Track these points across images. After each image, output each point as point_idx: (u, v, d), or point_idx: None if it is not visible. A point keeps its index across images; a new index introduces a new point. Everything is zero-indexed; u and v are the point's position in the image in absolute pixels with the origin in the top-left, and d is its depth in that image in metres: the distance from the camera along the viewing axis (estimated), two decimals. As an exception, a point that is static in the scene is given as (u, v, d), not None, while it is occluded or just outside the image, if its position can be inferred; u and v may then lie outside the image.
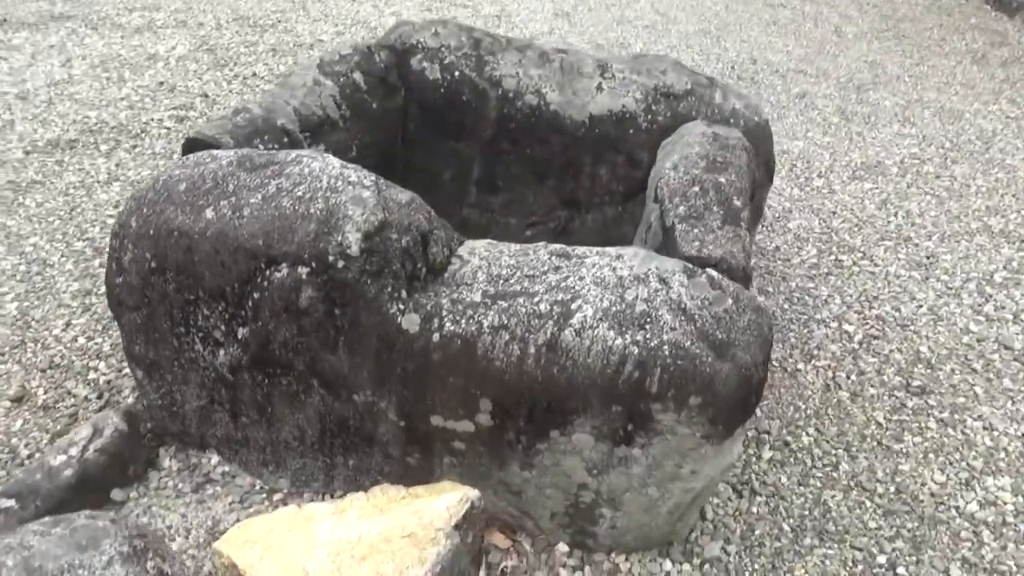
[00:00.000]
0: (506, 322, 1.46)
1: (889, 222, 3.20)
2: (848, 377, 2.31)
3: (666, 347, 1.39)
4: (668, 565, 1.67)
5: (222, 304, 1.59)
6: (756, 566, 1.70)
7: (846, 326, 2.54)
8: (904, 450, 2.06)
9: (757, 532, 1.79)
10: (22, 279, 2.44)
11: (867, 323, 2.55)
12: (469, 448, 1.59)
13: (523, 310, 1.46)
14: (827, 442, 2.06)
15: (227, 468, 1.80)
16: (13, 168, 3.07)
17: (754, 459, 1.98)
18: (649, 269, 1.51)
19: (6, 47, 4.24)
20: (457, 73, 2.50)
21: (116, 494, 1.69)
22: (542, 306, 1.46)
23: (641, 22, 6.02)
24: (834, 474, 1.96)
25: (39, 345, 2.18)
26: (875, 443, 2.07)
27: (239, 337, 1.61)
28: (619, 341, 1.40)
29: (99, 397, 1.99)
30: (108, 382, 2.04)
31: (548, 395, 1.46)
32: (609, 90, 2.46)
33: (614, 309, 1.44)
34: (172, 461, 1.80)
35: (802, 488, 1.91)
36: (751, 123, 2.40)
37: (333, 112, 2.20)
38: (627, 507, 1.58)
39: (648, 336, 1.40)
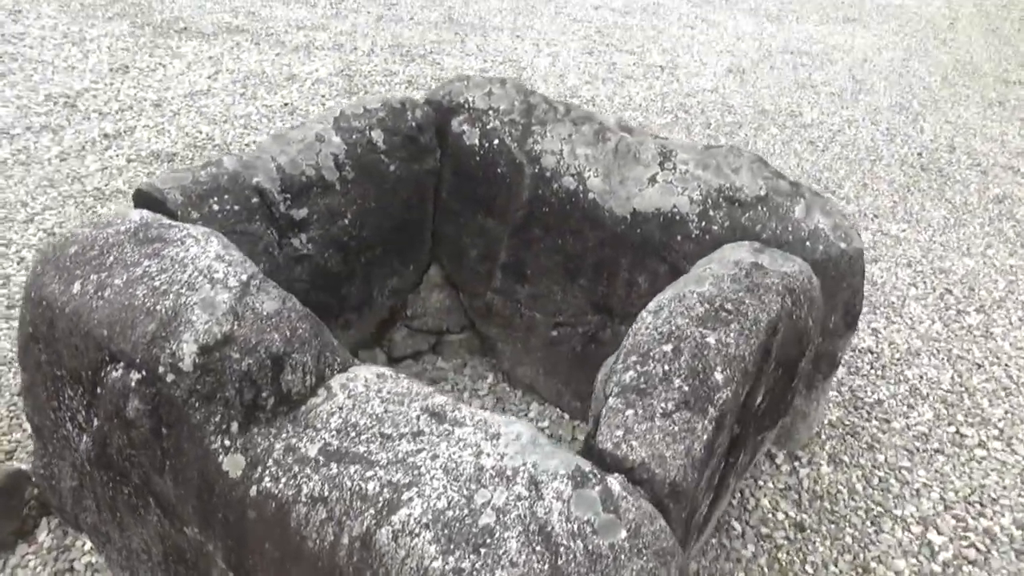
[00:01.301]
0: (327, 495, 1.14)
1: (1057, 392, 2.44)
2: (905, 613, 1.71)
3: (493, 590, 1.00)
4: None
5: (80, 388, 1.42)
6: None
7: (932, 535, 1.91)
8: None
9: None
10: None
11: (965, 537, 1.90)
12: (295, 625, 1.28)
13: (349, 484, 1.13)
14: None
15: (94, 559, 1.63)
16: (109, 175, 3.20)
17: None
18: (523, 464, 1.12)
19: (171, 54, 4.54)
20: (496, 141, 2.20)
21: (-29, 562, 1.58)
22: (371, 485, 1.13)
23: (828, 88, 5.34)
24: None
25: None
26: None
27: (92, 428, 1.42)
28: (438, 563, 1.03)
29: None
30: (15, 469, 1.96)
31: (365, 599, 1.12)
32: (663, 184, 2.03)
33: (450, 514, 1.07)
34: (48, 537, 1.66)
35: None
36: (833, 251, 1.88)
37: (329, 173, 1.99)
38: None
39: (477, 565, 1.02)
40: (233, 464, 1.22)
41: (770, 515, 1.91)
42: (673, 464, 1.17)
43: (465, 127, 2.24)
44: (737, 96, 5.01)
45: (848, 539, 1.87)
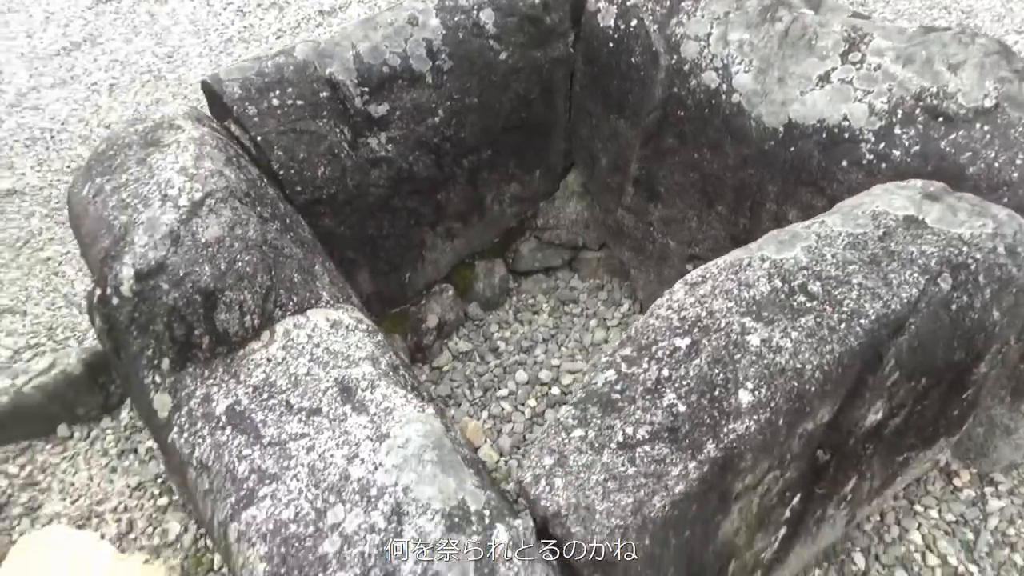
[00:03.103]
0: (210, 465, 0.99)
1: None
2: None
3: (297, 644, 0.78)
4: None
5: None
6: None
7: None
8: None
9: None
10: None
11: None
12: (234, 577, 1.19)
13: (227, 459, 0.96)
14: None
15: (154, 445, 1.69)
16: (312, 54, 3.24)
17: None
18: (395, 483, 0.85)
19: None
20: (634, 22, 1.75)
21: (62, 430, 1.73)
22: (242, 467, 0.94)
23: None
24: None
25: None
26: None
27: (111, 331, 1.42)
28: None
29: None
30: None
31: (242, 587, 0.97)
32: (838, 85, 1.46)
33: (293, 529, 0.85)
34: (127, 415, 1.76)
35: None
36: (1084, 201, 1.21)
37: (419, 63, 1.72)
38: None
39: (295, 606, 0.80)
40: (161, 403, 1.11)
41: (917, 555, 1.40)
42: (605, 524, 0.80)
43: (602, 3, 1.81)
44: None
45: (1028, 611, 1.31)
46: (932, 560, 1.39)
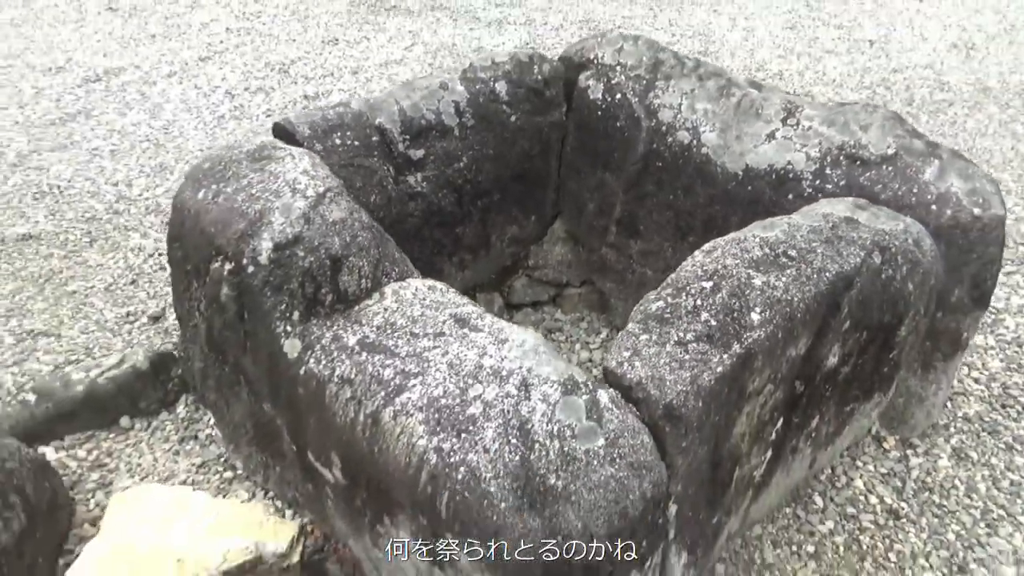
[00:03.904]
0: (352, 377, 1.27)
1: None
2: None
3: (462, 469, 1.07)
4: None
5: (199, 281, 1.67)
6: None
7: (1060, 548, 1.66)
8: None
9: None
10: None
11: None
12: (336, 499, 1.43)
13: (370, 370, 1.26)
14: None
15: (213, 432, 1.91)
16: (303, 130, 3.61)
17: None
18: (520, 367, 1.17)
19: (377, 29, 4.97)
20: (619, 96, 2.21)
21: (124, 421, 1.92)
22: (387, 371, 1.24)
23: (1077, 65, 4.61)
24: None
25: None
26: None
27: (205, 315, 1.67)
28: (423, 441, 1.12)
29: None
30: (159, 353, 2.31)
31: (376, 474, 1.24)
32: (781, 140, 1.94)
33: (444, 401, 1.15)
34: (184, 409, 1.97)
35: None
36: (963, 216, 1.69)
37: (449, 119, 2.12)
38: (454, 644, 1.27)
39: (455, 447, 1.10)
40: (291, 347, 1.39)
41: (861, 497, 1.77)
42: (672, 389, 1.15)
43: (591, 82, 2.28)
44: (956, 73, 4.49)
45: (951, 535, 1.69)
46: (873, 500, 1.77)
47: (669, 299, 1.30)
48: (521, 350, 1.20)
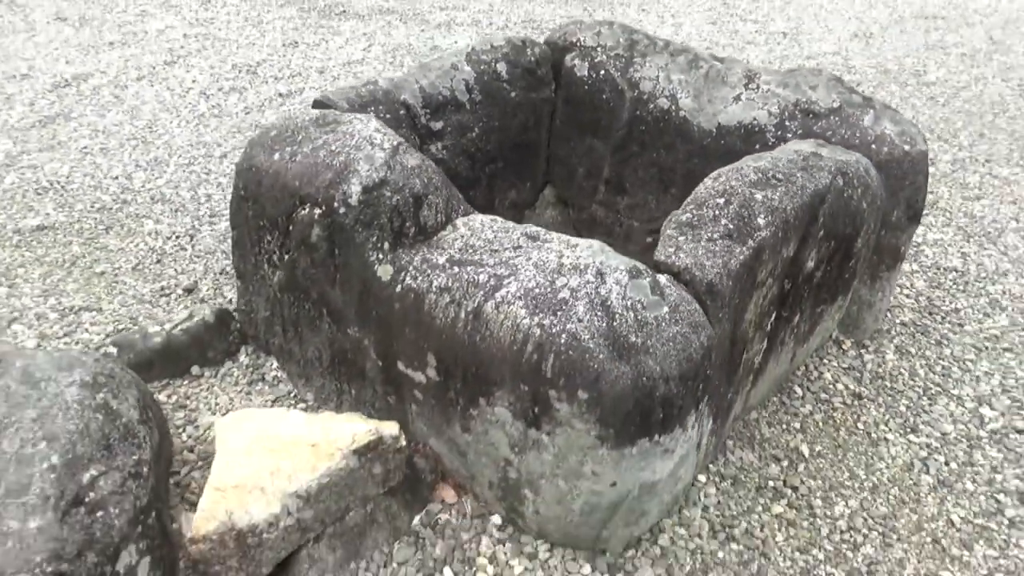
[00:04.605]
0: (450, 285, 1.56)
1: None
2: (946, 464, 1.93)
3: (564, 336, 1.39)
4: (587, 570, 1.62)
5: (276, 233, 1.92)
6: (685, 607, 1.58)
7: (985, 410, 2.10)
8: (964, 559, 1.69)
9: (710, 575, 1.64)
10: (243, 206, 3.09)
11: (1019, 413, 2.08)
12: (424, 399, 1.72)
13: (466, 277, 1.55)
14: (865, 520, 1.77)
15: (278, 374, 2.15)
16: (284, 124, 3.83)
17: (759, 508, 1.79)
18: (593, 261, 1.49)
19: (333, 32, 5.20)
20: (603, 72, 2.57)
21: (195, 369, 2.13)
22: (482, 276, 1.54)
23: (959, 49, 5.28)
24: (848, 553, 1.70)
25: (224, 255, 2.76)
26: (930, 539, 1.73)
27: (284, 262, 1.93)
28: (527, 321, 1.43)
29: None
30: (221, 308, 2.53)
31: (475, 361, 1.54)
32: (746, 101, 2.33)
33: (537, 291, 1.46)
34: (246, 358, 2.20)
35: (797, 555, 1.69)
36: (897, 152, 2.11)
37: (461, 95, 2.43)
38: (544, 494, 1.58)
39: (554, 322, 1.41)
40: (384, 271, 1.67)
41: (831, 385, 2.17)
42: (711, 271, 1.50)
43: (576, 61, 2.63)
44: (859, 58, 5.08)
45: (902, 407, 2.10)
46: (840, 387, 2.17)
47: (694, 212, 1.65)
48: (590, 250, 1.53)
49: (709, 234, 1.58)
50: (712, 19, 5.82)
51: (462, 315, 1.53)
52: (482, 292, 1.52)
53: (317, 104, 2.23)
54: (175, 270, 2.70)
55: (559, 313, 1.42)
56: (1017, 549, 1.71)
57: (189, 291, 2.59)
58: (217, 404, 2.05)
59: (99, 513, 1.37)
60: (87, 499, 1.37)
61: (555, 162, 2.78)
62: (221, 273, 2.67)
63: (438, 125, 2.39)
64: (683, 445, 1.52)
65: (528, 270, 1.51)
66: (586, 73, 2.60)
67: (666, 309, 1.42)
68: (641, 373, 1.36)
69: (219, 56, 4.72)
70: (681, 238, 1.58)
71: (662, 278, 1.48)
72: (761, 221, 1.63)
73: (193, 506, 1.71)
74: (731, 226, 1.61)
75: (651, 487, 1.53)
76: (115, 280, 2.64)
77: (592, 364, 1.36)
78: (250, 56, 4.73)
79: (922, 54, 5.17)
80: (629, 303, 1.42)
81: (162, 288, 2.59)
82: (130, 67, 4.51)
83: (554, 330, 1.40)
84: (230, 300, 2.48)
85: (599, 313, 1.41)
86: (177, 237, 2.90)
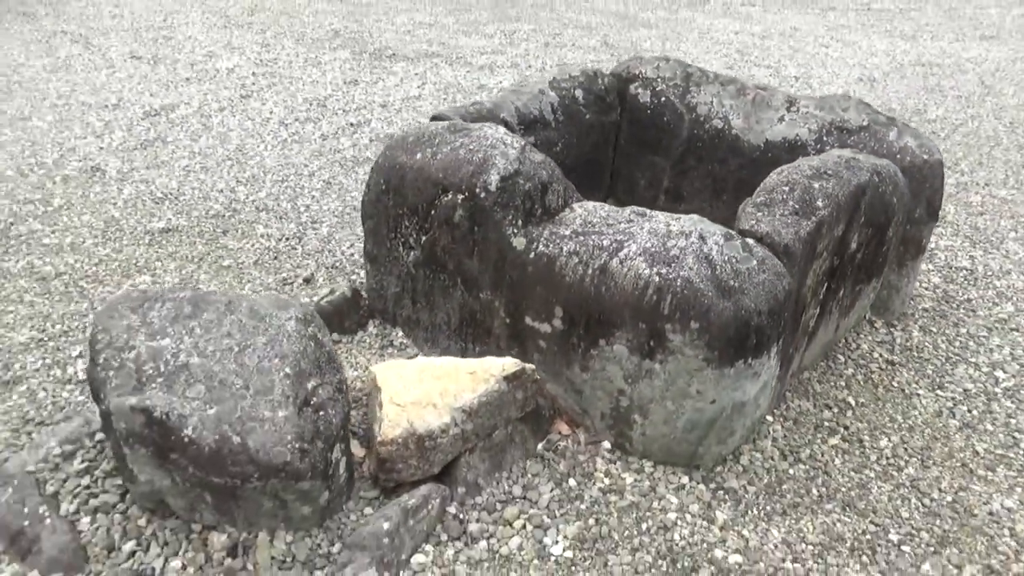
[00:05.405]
0: (578, 249, 1.99)
1: None
2: (969, 411, 2.34)
3: (679, 280, 1.81)
4: (685, 480, 2.01)
5: (416, 218, 2.35)
6: (767, 508, 1.96)
7: (999, 373, 2.51)
8: (988, 477, 2.08)
9: (784, 487, 2.03)
10: (337, 216, 3.52)
11: (1026, 376, 2.50)
12: (548, 347, 2.12)
13: (591, 242, 1.98)
14: (906, 451, 2.17)
15: (405, 341, 2.55)
16: (358, 149, 4.30)
17: (818, 441, 2.19)
18: (695, 228, 1.92)
19: (387, 72, 5.72)
20: (663, 99, 3.04)
21: (335, 336, 2.54)
22: (605, 241, 1.96)
23: (955, 92, 5.82)
24: (894, 473, 2.09)
25: (330, 254, 3.19)
26: (959, 464, 2.13)
27: (421, 242, 2.35)
28: (647, 271, 1.85)
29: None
30: (361, 282, 2.95)
31: (599, 309, 1.95)
32: (788, 121, 2.80)
33: (653, 249, 1.89)
34: (374, 328, 2.61)
35: (853, 473, 2.08)
36: (918, 160, 2.56)
37: (548, 115, 2.89)
38: (652, 416, 1.98)
39: (670, 271, 1.83)
40: (519, 242, 2.09)
41: (868, 354, 2.58)
42: (786, 236, 1.93)
43: (639, 90, 3.10)
44: (866, 98, 5.59)
45: (929, 371, 2.51)
46: (876, 355, 2.58)
47: (766, 196, 2.09)
48: (691, 221, 1.96)
49: (781, 211, 2.02)
50: (729, 64, 6.36)
51: (589, 272, 1.95)
52: (606, 253, 1.94)
53: (435, 117, 2.68)
54: (291, 264, 3.12)
55: (673, 264, 1.84)
56: (1030, 473, 2.11)
57: (308, 281, 3.00)
58: (356, 363, 2.45)
59: (321, 412, 1.76)
60: (312, 401, 1.77)
61: (618, 177, 3.23)
62: (332, 267, 3.09)
63: (530, 139, 2.84)
64: (766, 372, 1.93)
65: (643, 235, 1.94)
66: (648, 100, 3.07)
67: (755, 262, 1.85)
68: (740, 308, 1.78)
69: (288, 92, 5.21)
70: (759, 214, 2.01)
71: (750, 240, 1.91)
72: (820, 203, 2.07)
73: (354, 434, 2.10)
74: (797, 206, 2.04)
75: (741, 407, 1.94)
76: (241, 273, 3.05)
77: (703, 300, 1.78)
78: (316, 92, 5.23)
79: (922, 96, 5.70)
80: (726, 257, 1.85)
81: (284, 278, 3.01)
82: (210, 99, 5.00)
83: (671, 277, 1.82)
84: (332, 290, 2.90)
85: (704, 265, 1.83)
86: (287, 239, 3.32)
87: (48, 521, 1.88)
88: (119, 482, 1.96)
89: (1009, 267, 3.17)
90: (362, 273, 3.03)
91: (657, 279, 1.83)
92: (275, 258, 3.16)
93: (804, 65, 6.43)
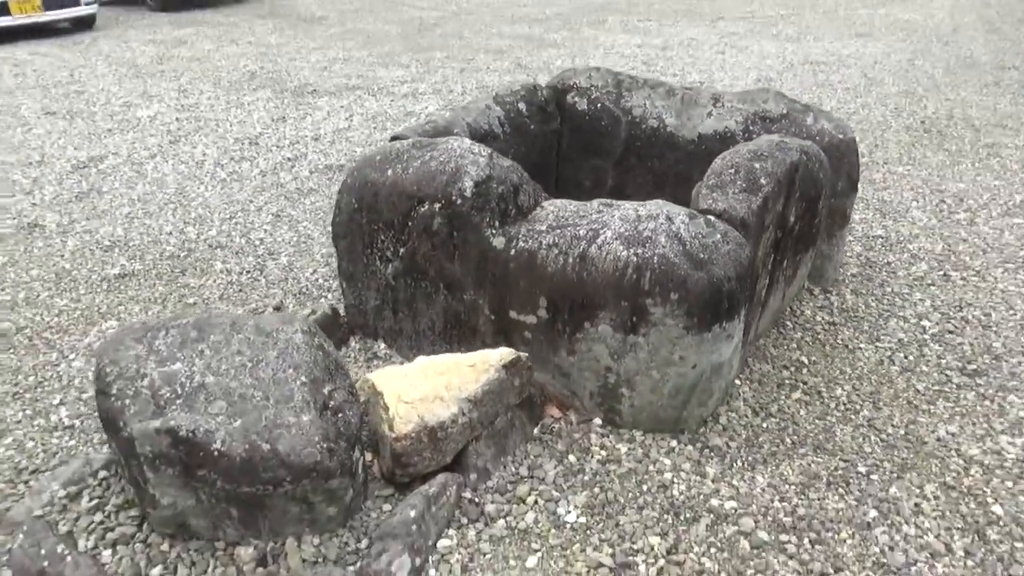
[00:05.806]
0: (556, 241, 2.16)
1: (1022, 251, 3.33)
2: (906, 357, 2.61)
3: (656, 258, 2.00)
4: (674, 443, 2.19)
5: (392, 232, 2.47)
6: (749, 458, 2.16)
7: (925, 322, 2.81)
8: (931, 410, 2.35)
9: (760, 439, 2.23)
10: (293, 245, 3.59)
11: (949, 322, 2.80)
12: (534, 337, 2.27)
13: (569, 234, 2.15)
14: (858, 396, 2.42)
15: (388, 351, 2.65)
16: (300, 182, 4.36)
17: (782, 396, 2.41)
18: (662, 211, 2.12)
19: (312, 107, 5.80)
20: (599, 105, 3.26)
21: (319, 355, 2.61)
22: (581, 231, 2.14)
23: (843, 85, 6.33)
24: (852, 416, 2.33)
25: (295, 281, 3.25)
26: (905, 402, 2.39)
27: (400, 254, 2.47)
28: (625, 253, 2.04)
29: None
30: (332, 304, 3.03)
31: (582, 294, 2.12)
32: (716, 115, 3.06)
33: (627, 234, 2.08)
34: (356, 343, 2.70)
35: (817, 421, 2.31)
36: (835, 139, 2.86)
37: (497, 129, 3.07)
38: (639, 387, 2.16)
39: (646, 250, 2.02)
40: (499, 242, 2.25)
41: (811, 318, 2.85)
42: (741, 210, 2.16)
43: (576, 99, 3.32)
44: (766, 98, 6.02)
45: (865, 327, 2.79)
46: (818, 319, 2.85)
47: (716, 178, 2.31)
48: (657, 205, 2.16)
49: (732, 190, 2.25)
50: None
51: (570, 260, 2.12)
52: (584, 241, 2.11)
53: (395, 137, 2.82)
54: (258, 295, 3.17)
55: (647, 244, 2.03)
56: (964, 401, 2.38)
57: (278, 309, 3.06)
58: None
59: (340, 415, 1.86)
60: (331, 405, 1.86)
61: (563, 180, 3.43)
62: (299, 293, 3.16)
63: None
64: (736, 333, 2.14)
65: (615, 222, 2.12)
66: (586, 107, 3.29)
67: (719, 235, 2.06)
68: (712, 276, 1.98)
69: (216, 133, 5.22)
70: (714, 194, 2.24)
71: (711, 217, 2.12)
72: (763, 181, 2.31)
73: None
74: (744, 184, 2.28)
75: (718, 368, 2.14)
76: (208, 308, 3.08)
77: (679, 272, 1.97)
78: (246, 131, 5.26)
79: (815, 91, 6.18)
80: (693, 233, 2.05)
81: (254, 308, 3.06)
82: (138, 147, 4.96)
83: (647, 255, 2.01)
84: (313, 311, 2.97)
85: (675, 242, 2.03)
86: (247, 272, 3.36)
87: (69, 558, 1.89)
88: (133, 513, 1.99)
89: (917, 232, 3.53)
90: (330, 296, 3.12)
91: (635, 259, 2.02)
92: (240, 291, 3.20)
93: (706, 71, 6.86)
